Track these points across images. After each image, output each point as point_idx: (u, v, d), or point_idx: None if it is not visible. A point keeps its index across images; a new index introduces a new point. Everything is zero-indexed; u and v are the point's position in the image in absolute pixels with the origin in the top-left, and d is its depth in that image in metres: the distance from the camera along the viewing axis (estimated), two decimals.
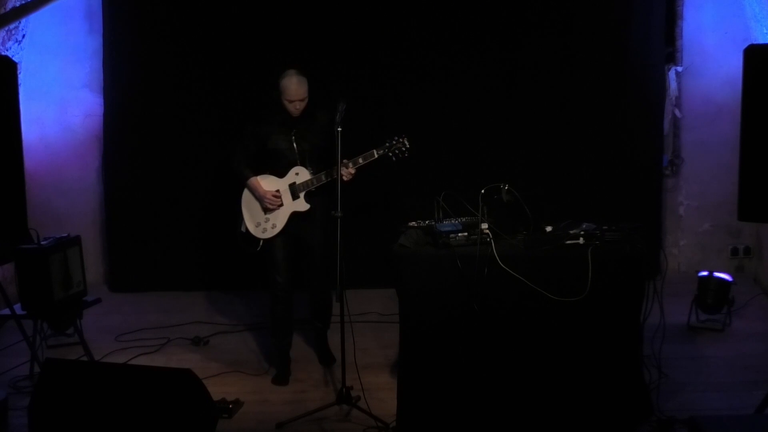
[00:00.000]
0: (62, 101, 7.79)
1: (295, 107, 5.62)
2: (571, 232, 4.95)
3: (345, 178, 5.47)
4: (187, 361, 6.04)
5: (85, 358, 6.02)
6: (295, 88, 5.59)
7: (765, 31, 7.09)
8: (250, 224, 5.81)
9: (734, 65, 5.81)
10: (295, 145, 5.69)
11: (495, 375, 4.94)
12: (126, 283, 7.83)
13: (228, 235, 7.65)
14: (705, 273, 6.58)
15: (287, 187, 5.73)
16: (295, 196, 5.72)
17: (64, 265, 5.97)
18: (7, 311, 5.81)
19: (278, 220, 5.75)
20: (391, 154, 5.56)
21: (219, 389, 5.47)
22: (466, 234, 4.96)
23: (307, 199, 5.71)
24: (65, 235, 6.13)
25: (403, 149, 5.55)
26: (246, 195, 5.83)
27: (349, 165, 5.50)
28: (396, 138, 5.56)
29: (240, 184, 5.84)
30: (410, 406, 5.03)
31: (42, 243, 5.90)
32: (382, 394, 5.43)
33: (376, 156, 5.55)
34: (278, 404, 5.48)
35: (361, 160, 5.54)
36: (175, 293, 7.69)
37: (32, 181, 6.62)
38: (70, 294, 6.02)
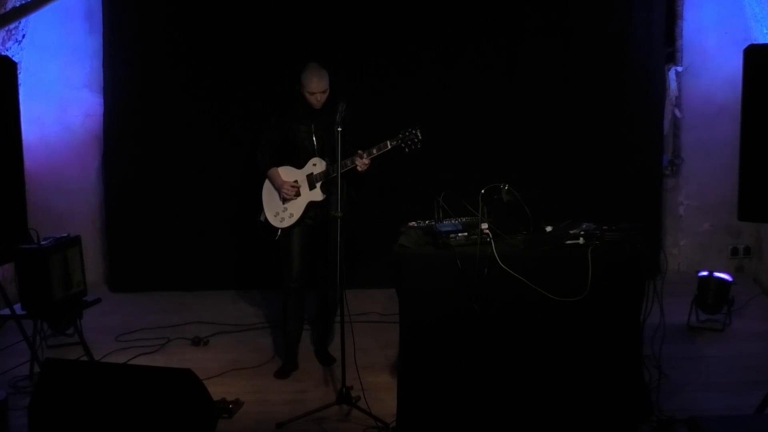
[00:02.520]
0: (62, 101, 7.79)
1: (317, 99, 5.73)
2: (571, 232, 4.94)
3: (360, 169, 5.63)
4: (187, 361, 6.03)
5: (85, 358, 6.01)
6: (316, 80, 5.71)
7: (765, 31, 7.09)
8: (269, 213, 5.92)
9: (734, 65, 5.80)
10: (314, 136, 5.80)
11: (495, 375, 4.94)
12: (126, 283, 7.83)
13: (226, 235, 7.75)
14: (705, 273, 6.58)
15: (305, 177, 5.84)
16: (311, 186, 5.83)
17: (64, 265, 5.97)
18: (7, 311, 5.81)
19: (295, 210, 5.85)
20: (404, 145, 5.65)
21: (219, 389, 5.47)
22: (466, 234, 4.96)
23: (324, 189, 5.80)
24: (65, 235, 6.13)
25: (416, 140, 5.64)
26: (267, 185, 5.96)
27: (364, 156, 5.62)
28: (409, 129, 5.65)
29: (262, 174, 5.95)
30: (410, 406, 5.03)
31: (42, 243, 5.90)
32: (382, 394, 5.42)
33: (389, 147, 5.65)
34: (278, 404, 5.49)
35: (375, 151, 5.65)
36: (175, 293, 7.68)
37: (32, 181, 6.61)
38: (70, 294, 6.01)
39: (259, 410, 5.41)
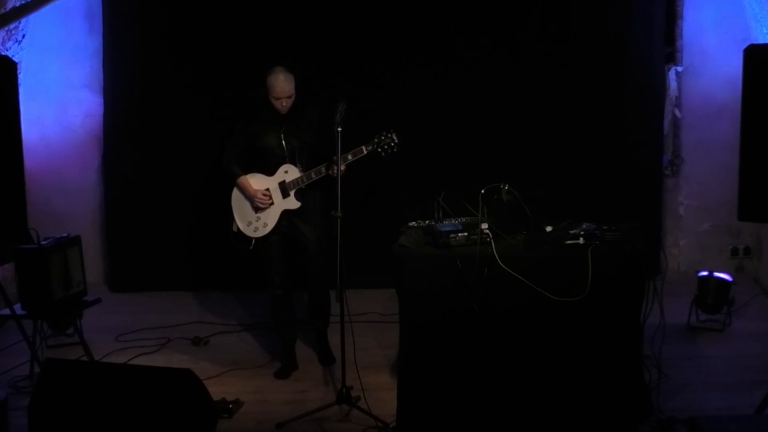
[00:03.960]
0: (62, 101, 7.79)
1: (282, 104, 5.63)
2: (571, 232, 4.94)
3: (334, 174, 5.44)
4: (187, 361, 6.04)
5: (85, 358, 6.01)
6: (281, 85, 5.59)
7: (765, 31, 7.09)
8: (241, 223, 5.82)
9: (734, 65, 5.80)
10: (284, 142, 5.71)
11: (495, 375, 4.94)
12: (126, 283, 7.82)
13: (227, 235, 7.74)
14: (705, 273, 6.57)
15: (277, 185, 5.74)
16: (285, 194, 5.73)
17: (64, 265, 5.97)
18: (7, 311, 5.81)
19: (269, 219, 5.76)
20: (380, 150, 5.54)
21: (219, 389, 5.48)
22: (466, 234, 4.96)
23: (298, 196, 5.73)
24: (65, 235, 6.13)
25: (392, 144, 5.54)
26: (236, 194, 5.85)
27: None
28: (384, 133, 5.55)
29: (230, 183, 5.85)
30: (410, 406, 5.03)
31: (42, 243, 5.90)
32: (382, 394, 5.42)
33: (365, 152, 5.54)
34: (278, 404, 5.49)
35: (350, 157, 5.52)
36: (175, 293, 7.68)
37: (32, 181, 6.61)
38: (70, 294, 6.02)
39: (259, 410, 5.41)
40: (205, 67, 7.59)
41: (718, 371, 5.80)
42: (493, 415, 4.95)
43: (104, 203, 7.91)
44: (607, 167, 7.53)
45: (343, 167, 5.46)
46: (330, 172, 5.52)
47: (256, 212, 5.78)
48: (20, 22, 7.13)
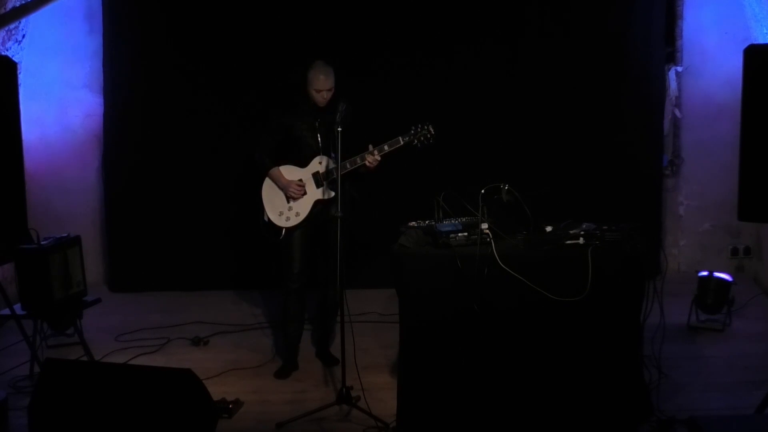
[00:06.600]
0: (62, 101, 7.79)
1: (323, 97, 5.72)
2: (571, 232, 4.95)
3: (370, 165, 5.61)
4: (187, 361, 6.03)
5: (85, 358, 6.02)
6: (323, 78, 5.70)
7: (765, 31, 7.09)
8: (272, 214, 5.87)
9: (734, 65, 5.80)
10: (318, 134, 5.78)
11: (495, 375, 4.94)
12: (126, 283, 7.82)
13: (226, 235, 7.75)
14: (705, 273, 6.57)
15: (310, 176, 5.82)
16: (319, 185, 5.81)
17: (64, 265, 5.97)
18: (7, 311, 5.81)
19: (301, 209, 5.82)
20: (416, 142, 5.64)
21: (219, 389, 5.48)
22: (466, 234, 4.96)
23: (331, 187, 5.77)
24: (65, 235, 6.13)
25: (428, 136, 5.65)
26: (267, 185, 5.91)
27: (375, 152, 5.59)
28: (421, 125, 5.64)
29: (261, 174, 5.91)
30: (410, 406, 5.03)
31: (42, 243, 5.90)
32: (382, 394, 5.43)
33: (401, 143, 5.63)
34: (278, 404, 5.49)
35: (386, 147, 5.63)
36: (175, 293, 7.68)
37: (32, 181, 6.61)
38: (70, 294, 6.02)
39: (259, 410, 5.42)
40: (206, 67, 7.60)
41: (718, 371, 5.80)
42: (493, 415, 4.95)
43: (104, 203, 7.91)
44: (607, 167, 7.54)
45: (378, 157, 5.60)
46: (366, 162, 5.61)
47: (288, 202, 5.83)
48: (20, 22, 7.13)
